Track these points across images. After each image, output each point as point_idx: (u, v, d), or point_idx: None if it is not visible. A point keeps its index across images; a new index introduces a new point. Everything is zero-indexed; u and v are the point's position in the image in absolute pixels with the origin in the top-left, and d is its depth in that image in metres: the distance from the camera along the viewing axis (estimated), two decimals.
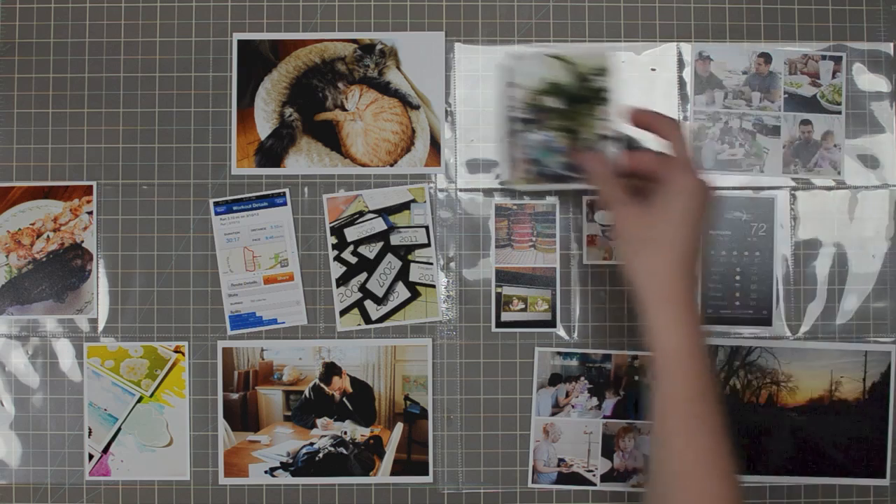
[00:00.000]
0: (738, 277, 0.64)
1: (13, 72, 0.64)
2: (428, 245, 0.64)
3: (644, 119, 0.55)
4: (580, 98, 0.58)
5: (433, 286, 0.63)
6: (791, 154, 0.64)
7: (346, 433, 0.63)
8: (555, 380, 0.63)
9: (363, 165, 0.64)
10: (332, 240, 0.64)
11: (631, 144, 0.57)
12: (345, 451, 0.63)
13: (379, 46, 0.64)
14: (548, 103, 0.57)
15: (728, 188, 0.64)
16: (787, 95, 0.64)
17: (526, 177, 0.57)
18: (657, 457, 0.52)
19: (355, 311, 0.63)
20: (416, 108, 0.64)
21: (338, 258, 0.64)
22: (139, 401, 0.64)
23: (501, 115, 0.57)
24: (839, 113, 0.64)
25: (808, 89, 0.64)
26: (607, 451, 0.63)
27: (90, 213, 0.64)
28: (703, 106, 0.64)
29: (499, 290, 0.64)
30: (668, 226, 0.52)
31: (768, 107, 0.64)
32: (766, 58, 0.64)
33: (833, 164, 0.64)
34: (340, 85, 0.64)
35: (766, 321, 0.63)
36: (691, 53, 0.64)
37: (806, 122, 0.64)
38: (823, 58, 0.64)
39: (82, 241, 0.64)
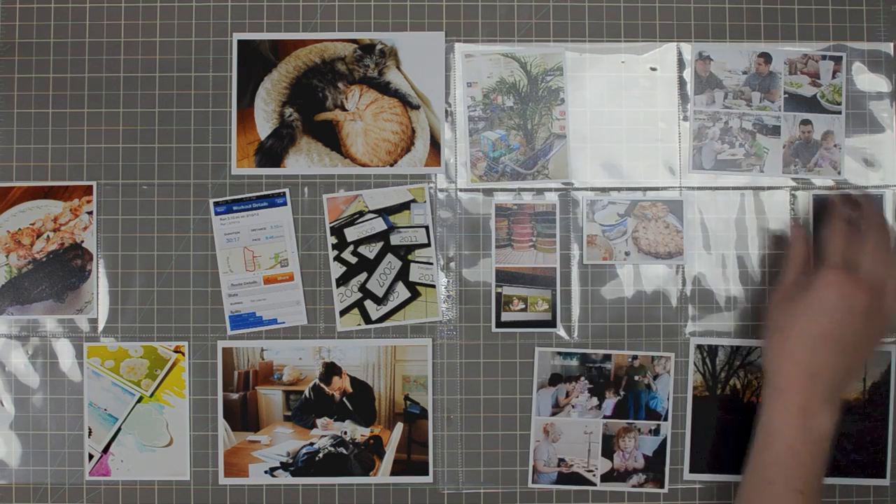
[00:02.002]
0: None
1: (13, 72, 0.64)
2: (428, 245, 0.64)
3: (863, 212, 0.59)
4: (533, 97, 0.61)
5: (433, 286, 0.63)
6: (791, 154, 0.64)
7: (346, 433, 0.63)
8: (555, 380, 0.63)
9: (363, 165, 0.64)
10: (332, 240, 0.64)
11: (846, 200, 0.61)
12: (345, 451, 0.63)
13: (379, 46, 0.64)
14: (502, 102, 0.60)
15: (728, 188, 0.64)
16: (787, 95, 0.64)
17: (482, 174, 0.60)
18: None
19: (355, 311, 0.64)
20: (416, 108, 0.64)
21: (338, 258, 0.64)
22: (139, 401, 0.64)
23: (460, 113, 0.59)
24: (839, 113, 0.64)
25: (808, 89, 0.64)
26: (607, 451, 0.63)
27: (90, 213, 0.64)
28: (703, 106, 0.64)
29: (499, 290, 0.64)
30: (796, 320, 0.55)
31: (768, 107, 0.64)
32: (766, 58, 0.64)
33: (833, 164, 0.64)
34: (340, 85, 0.64)
35: None
36: (692, 53, 0.64)
37: (806, 122, 0.64)
38: (823, 58, 0.64)
39: (82, 241, 0.64)
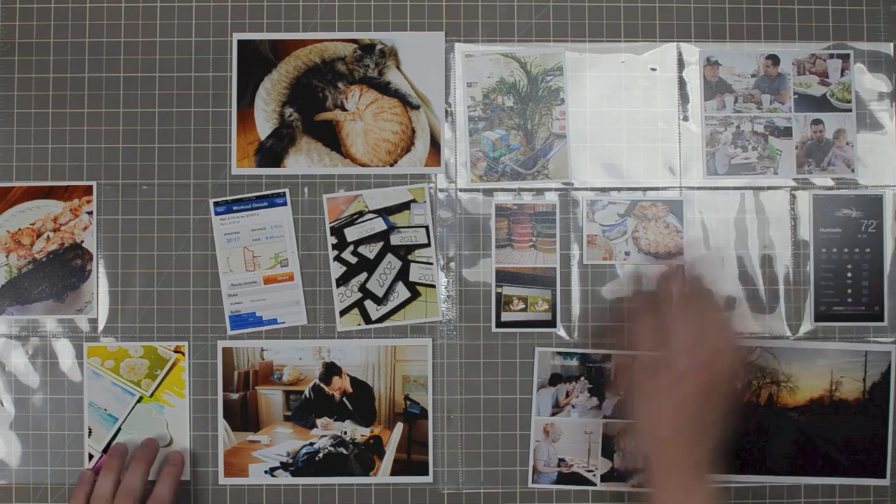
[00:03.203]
0: (849, 274, 0.63)
1: (13, 72, 0.64)
2: (428, 245, 0.64)
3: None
4: (533, 97, 0.61)
5: (433, 286, 0.63)
6: (804, 154, 0.64)
7: (346, 433, 0.63)
8: (555, 380, 0.63)
9: (363, 165, 0.64)
10: (332, 240, 0.64)
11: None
12: (345, 451, 0.63)
13: (379, 46, 0.64)
14: (502, 102, 0.61)
15: (728, 188, 0.64)
16: (797, 96, 0.64)
17: (482, 174, 0.61)
18: None
19: (355, 311, 0.64)
20: (416, 108, 0.64)
21: (338, 258, 0.64)
22: (139, 401, 0.64)
23: (460, 113, 0.60)
24: (849, 111, 0.64)
25: (817, 89, 0.64)
26: (607, 451, 0.63)
27: (90, 213, 0.64)
28: (714, 111, 0.64)
29: (499, 290, 0.64)
30: (661, 407, 0.52)
31: (779, 108, 0.64)
32: (774, 59, 0.64)
33: (846, 162, 0.64)
34: (340, 85, 0.64)
35: (879, 317, 0.63)
36: (693, 55, 0.64)
37: (817, 122, 0.64)
38: (831, 56, 0.64)
39: (82, 241, 0.64)
